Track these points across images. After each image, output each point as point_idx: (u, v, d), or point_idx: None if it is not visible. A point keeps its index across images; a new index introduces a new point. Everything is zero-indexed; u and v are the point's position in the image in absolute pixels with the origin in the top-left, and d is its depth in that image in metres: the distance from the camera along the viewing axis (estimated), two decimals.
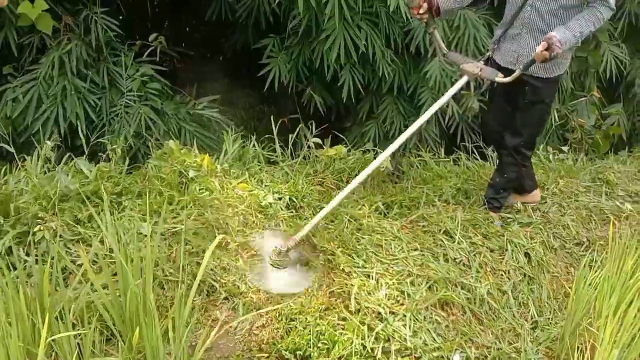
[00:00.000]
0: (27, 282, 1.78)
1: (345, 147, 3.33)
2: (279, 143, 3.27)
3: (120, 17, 3.99)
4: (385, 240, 2.57)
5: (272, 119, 3.32)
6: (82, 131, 3.43)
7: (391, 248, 2.53)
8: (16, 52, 3.48)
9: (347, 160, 3.19)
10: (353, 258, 2.40)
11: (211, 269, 2.19)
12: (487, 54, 2.75)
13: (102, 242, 2.08)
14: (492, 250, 2.71)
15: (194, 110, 3.88)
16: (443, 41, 2.77)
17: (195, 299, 2.02)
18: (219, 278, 2.20)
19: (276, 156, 3.21)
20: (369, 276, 2.32)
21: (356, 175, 3.10)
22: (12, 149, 2.76)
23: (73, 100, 3.42)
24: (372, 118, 4.05)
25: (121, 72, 3.58)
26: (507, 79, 2.45)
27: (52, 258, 1.86)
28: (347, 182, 3.05)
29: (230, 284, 2.22)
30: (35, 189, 2.32)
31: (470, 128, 4.07)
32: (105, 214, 1.80)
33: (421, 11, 2.51)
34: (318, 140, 3.26)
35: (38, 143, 3.40)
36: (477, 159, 3.64)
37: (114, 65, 3.59)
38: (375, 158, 3.23)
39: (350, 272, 2.31)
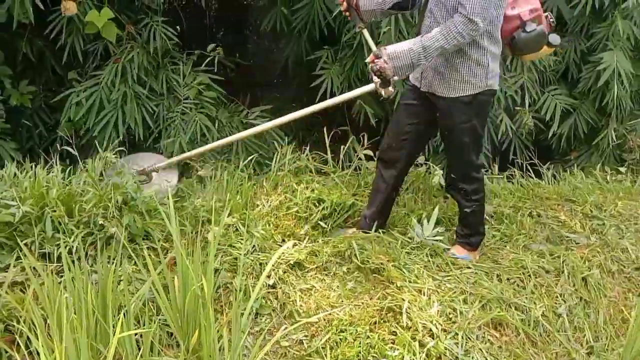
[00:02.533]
0: (92, 280, 1.83)
1: None
2: (330, 154, 3.30)
3: (178, 27, 4.12)
4: (437, 255, 2.54)
5: (324, 130, 3.34)
6: (139, 136, 3.55)
7: (443, 264, 2.49)
8: (81, 58, 3.64)
9: None
10: (404, 272, 2.38)
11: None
12: None
13: (167, 240, 2.14)
14: (547, 272, 2.63)
15: (246, 120, 3.95)
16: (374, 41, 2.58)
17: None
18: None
19: (328, 167, 3.23)
20: (420, 291, 2.29)
21: (407, 189, 3.11)
22: (75, 152, 2.88)
23: (132, 106, 3.54)
24: (434, 134, 4.01)
25: (179, 80, 3.68)
26: (385, 94, 2.27)
27: (114, 258, 1.93)
28: (398, 196, 3.05)
29: (281, 292, 2.25)
30: (97, 192, 2.40)
31: (523, 145, 3.99)
32: (170, 218, 1.85)
33: (342, 8, 2.48)
34: (369, 152, 3.27)
35: (98, 146, 3.54)
36: (531, 177, 3.56)
37: (173, 73, 3.70)
38: (427, 171, 3.24)
39: (401, 286, 2.29)
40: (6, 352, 1.69)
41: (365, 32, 2.49)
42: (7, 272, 2.03)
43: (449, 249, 2.62)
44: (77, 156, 2.83)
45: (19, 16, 3.25)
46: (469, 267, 2.52)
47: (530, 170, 3.64)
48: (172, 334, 1.77)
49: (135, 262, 2.05)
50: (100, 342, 1.65)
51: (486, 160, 3.81)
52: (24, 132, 3.91)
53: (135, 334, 1.70)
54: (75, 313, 1.56)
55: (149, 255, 1.95)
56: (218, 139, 3.69)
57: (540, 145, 4.11)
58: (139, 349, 1.67)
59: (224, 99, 3.96)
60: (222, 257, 2.31)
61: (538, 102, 3.89)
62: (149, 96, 3.64)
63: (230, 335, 1.73)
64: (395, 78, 2.22)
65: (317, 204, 2.80)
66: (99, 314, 1.65)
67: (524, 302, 2.40)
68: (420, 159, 3.37)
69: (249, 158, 3.23)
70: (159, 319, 1.84)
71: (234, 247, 2.39)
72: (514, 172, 3.57)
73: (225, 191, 2.75)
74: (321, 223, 2.70)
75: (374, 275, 2.36)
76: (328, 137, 3.32)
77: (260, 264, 2.36)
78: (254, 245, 2.43)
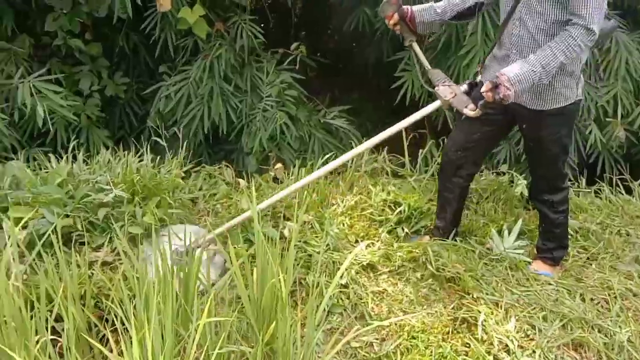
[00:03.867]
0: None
1: None
2: (407, 157, 3.26)
3: (263, 25, 4.22)
4: (516, 269, 2.45)
5: (403, 133, 3.31)
6: (223, 130, 3.68)
7: (523, 278, 2.40)
8: (172, 53, 3.81)
9: (478, 181, 3.09)
10: (481, 284, 2.31)
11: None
12: (477, 78, 2.35)
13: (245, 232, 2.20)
14: (635, 295, 2.47)
15: (324, 119, 3.99)
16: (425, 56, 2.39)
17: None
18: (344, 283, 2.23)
19: (405, 170, 3.20)
20: (497, 305, 2.22)
21: (487, 198, 3.02)
22: (164, 143, 3.02)
23: (218, 102, 3.67)
24: (504, 138, 3.88)
25: (262, 78, 3.78)
26: (472, 114, 2.09)
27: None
28: (477, 204, 2.97)
29: (353, 292, 2.25)
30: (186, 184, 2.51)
31: (613, 158, 3.76)
32: (254, 212, 1.90)
33: (391, 22, 2.27)
34: None
35: (184, 138, 3.69)
36: (621, 193, 3.35)
37: (257, 70, 3.80)
38: (510, 181, 3.12)
39: (477, 298, 2.23)
40: (95, 326, 1.80)
41: (416, 46, 2.34)
42: (99, 251, 2.17)
43: (529, 263, 2.52)
44: (166, 147, 2.97)
45: (118, 11, 3.45)
46: (551, 284, 2.41)
47: (620, 186, 3.42)
48: (249, 323, 1.82)
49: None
50: (182, 325, 1.72)
51: (572, 173, 3.63)
52: (117, 121, 4.16)
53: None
54: (160, 296, 1.64)
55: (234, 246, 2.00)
56: (296, 137, 3.76)
57: (632, 160, 3.85)
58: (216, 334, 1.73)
59: (304, 98, 4.02)
60: (297, 253, 2.35)
61: (631, 114, 3.65)
62: (234, 92, 3.76)
63: (304, 330, 1.76)
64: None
65: (393, 207, 2.78)
66: (182, 298, 1.72)
67: (609, 325, 2.26)
68: (503, 167, 3.27)
69: (326, 157, 3.26)
70: (238, 309, 1.90)
71: (309, 244, 2.42)
72: (603, 186, 3.37)
73: (302, 188, 2.79)
74: (396, 227, 2.67)
75: (449, 284, 2.31)
76: (406, 139, 3.28)
77: (334, 262, 2.37)
78: (328, 244, 2.45)
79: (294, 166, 3.22)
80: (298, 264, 2.26)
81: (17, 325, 1.53)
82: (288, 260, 1.81)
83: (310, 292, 2.13)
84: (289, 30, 4.65)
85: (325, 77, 4.67)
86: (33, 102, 3.30)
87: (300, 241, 2.38)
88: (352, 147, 3.42)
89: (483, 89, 2.01)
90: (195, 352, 1.49)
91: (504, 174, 3.20)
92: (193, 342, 1.46)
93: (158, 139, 3.09)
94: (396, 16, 2.26)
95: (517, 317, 2.18)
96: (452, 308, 2.20)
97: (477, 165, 2.57)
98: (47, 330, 1.60)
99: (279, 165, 3.10)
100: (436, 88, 2.19)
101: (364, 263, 2.39)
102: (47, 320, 1.63)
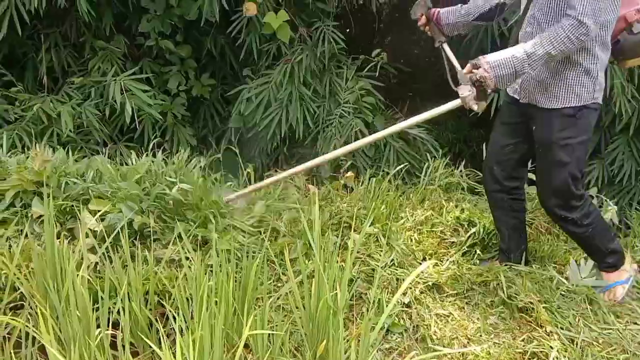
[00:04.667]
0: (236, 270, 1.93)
1: None
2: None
3: (347, 31, 4.20)
4: (597, 302, 2.24)
5: (483, 146, 3.15)
6: (299, 135, 3.70)
7: (604, 314, 2.19)
8: (256, 56, 3.89)
9: None
10: (556, 317, 2.13)
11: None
12: None
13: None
14: None
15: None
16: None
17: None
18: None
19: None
20: (573, 342, 2.04)
21: None
22: (236, 148, 3.07)
23: (296, 106, 3.69)
24: (597, 157, 3.60)
25: (341, 84, 3.76)
26: (476, 107, 2.02)
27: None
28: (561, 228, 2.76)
29: (415, 313, 2.16)
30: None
31: None
32: (314, 224, 1.87)
33: (421, 23, 2.33)
34: (532, 175, 3.00)
35: (261, 141, 3.77)
36: None
37: (336, 76, 3.79)
38: (599, 205, 2.87)
39: (551, 332, 2.06)
40: (157, 320, 1.85)
41: (446, 47, 2.34)
42: (167, 248, 2.23)
43: (599, 288, 2.30)
44: (237, 153, 3.02)
45: (207, 14, 3.57)
46: (636, 324, 2.18)
47: None
48: (301, 335, 1.79)
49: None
50: (235, 332, 1.73)
51: None
52: (201, 121, 4.31)
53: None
54: (216, 300, 1.65)
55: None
56: (371, 145, 3.70)
57: None
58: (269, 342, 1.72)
59: (382, 105, 3.95)
60: (359, 265, 2.29)
61: None
62: (312, 97, 3.77)
63: (359, 348, 1.70)
64: (492, 90, 1.99)
65: (466, 227, 2.64)
66: (237, 305, 1.72)
67: None
68: (592, 190, 3.02)
69: (399, 167, 3.18)
70: (292, 319, 1.88)
71: (372, 257, 2.36)
72: None
73: (371, 199, 2.73)
74: (469, 250, 2.53)
75: (521, 314, 2.15)
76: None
77: (398, 279, 2.29)
78: (392, 259, 2.37)
79: (367, 174, 3.17)
80: (359, 278, 2.21)
81: (81, 316, 1.60)
82: (347, 274, 1.76)
83: (369, 308, 2.07)
84: (371, 37, 4.60)
85: (405, 84, 4.57)
86: (123, 100, 3.49)
87: (363, 254, 2.33)
88: (427, 159, 3.33)
89: (464, 70, 2.00)
90: None
91: (593, 197, 2.95)
92: (239, 348, 1.45)
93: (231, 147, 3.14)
94: (424, 18, 2.32)
95: (594, 357, 1.99)
96: (522, 340, 2.05)
97: (517, 179, 2.42)
98: (109, 324, 1.66)
99: (349, 173, 3.06)
100: (459, 87, 2.13)
101: (430, 283, 2.29)
102: (109, 313, 1.69)
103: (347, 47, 3.89)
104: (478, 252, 2.52)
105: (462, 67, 2.15)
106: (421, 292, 2.25)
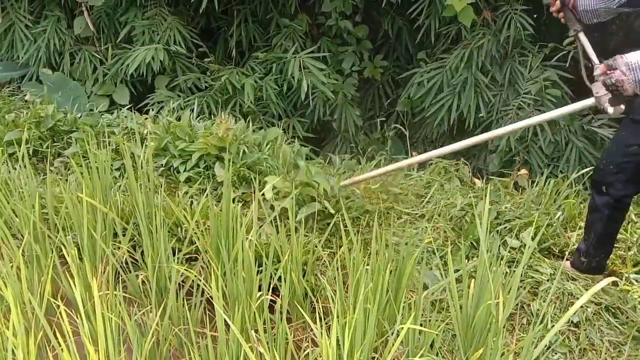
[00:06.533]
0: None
1: None
2: None
3: (535, 16, 3.85)
4: None
5: None
6: (469, 123, 3.52)
7: None
8: (433, 40, 3.76)
9: None
10: None
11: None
12: None
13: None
14: None
15: (588, 126, 3.50)
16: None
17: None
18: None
19: None
20: None
21: None
22: (406, 131, 3.02)
23: (470, 93, 3.51)
24: None
25: (523, 73, 3.48)
26: (611, 110, 1.76)
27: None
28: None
29: (584, 335, 1.93)
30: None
31: None
32: (482, 222, 1.75)
33: (554, 9, 2.07)
34: None
35: (427, 127, 3.65)
36: None
37: (519, 64, 3.51)
38: None
39: None
40: (313, 293, 1.91)
41: (582, 37, 2.05)
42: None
43: None
44: (407, 136, 2.96)
45: None
46: None
47: None
48: (455, 337, 1.71)
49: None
50: (387, 319, 1.70)
51: None
52: (369, 102, 4.32)
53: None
54: (371, 286, 1.64)
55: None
56: (550, 142, 3.39)
57: None
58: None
59: (568, 99, 3.57)
60: (526, 272, 2.12)
61: None
62: (489, 85, 3.55)
63: None
64: (630, 95, 1.70)
65: None
66: (391, 293, 1.70)
67: None
68: None
69: (583, 171, 2.85)
70: (447, 319, 1.80)
71: (539, 267, 2.16)
72: None
73: (545, 203, 2.49)
74: None
75: None
76: None
77: (569, 294, 2.07)
78: (564, 272, 2.15)
79: (542, 175, 2.90)
80: (524, 288, 2.04)
81: (245, 277, 1.70)
82: (514, 281, 1.63)
83: (532, 322, 1.90)
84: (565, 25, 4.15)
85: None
86: (300, 76, 3.63)
87: (531, 266, 2.14)
88: None
89: (596, 71, 1.77)
90: (395, 353, 1.45)
91: None
92: (393, 344, 1.42)
93: (400, 127, 3.10)
94: (559, 3, 2.08)
95: None
96: None
97: (631, 187, 2.08)
98: (269, 289, 1.74)
99: (523, 171, 2.83)
100: (593, 84, 1.88)
101: (605, 304, 2.03)
102: (270, 278, 1.77)
103: (534, 34, 3.57)
104: None
105: (601, 61, 1.89)
106: (594, 314, 2.01)
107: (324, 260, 2.02)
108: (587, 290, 2.04)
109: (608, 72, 1.75)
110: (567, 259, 2.27)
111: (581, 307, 2.00)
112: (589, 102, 1.93)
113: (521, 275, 2.07)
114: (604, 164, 2.15)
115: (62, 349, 1.36)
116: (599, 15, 2.11)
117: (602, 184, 2.13)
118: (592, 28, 2.20)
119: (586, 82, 1.93)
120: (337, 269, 1.71)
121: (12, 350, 1.40)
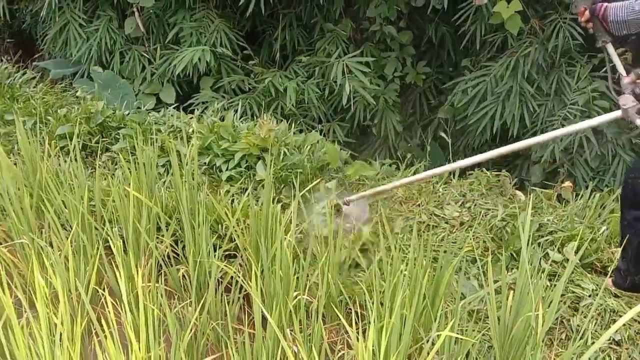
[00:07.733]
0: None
1: None
2: None
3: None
4: None
5: None
6: (512, 133, 3.46)
7: None
8: (478, 47, 3.72)
9: None
10: None
11: None
12: None
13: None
14: None
15: (637, 140, 3.39)
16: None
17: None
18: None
19: None
20: None
21: None
22: (449, 139, 2.99)
23: (515, 102, 3.46)
24: None
25: (571, 83, 3.40)
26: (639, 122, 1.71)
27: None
28: None
29: (627, 354, 1.87)
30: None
31: None
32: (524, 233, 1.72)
33: (583, 19, 2.00)
34: None
35: (469, 135, 3.60)
36: None
37: (566, 74, 3.44)
38: None
39: None
40: (349, 297, 1.91)
41: (610, 48, 2.01)
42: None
43: None
44: (450, 143, 2.93)
45: (435, 1, 3.51)
46: None
47: None
48: (492, 346, 1.69)
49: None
50: (423, 326, 1.69)
51: None
52: (409, 108, 4.31)
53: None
54: (408, 292, 1.63)
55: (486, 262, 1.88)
56: (596, 154, 3.30)
57: None
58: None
59: None
60: (567, 287, 2.07)
61: None
62: (534, 94, 3.49)
63: None
64: None
65: None
66: (428, 300, 1.69)
67: None
68: None
69: None
70: (484, 329, 1.78)
71: (581, 282, 2.11)
72: None
73: (589, 217, 2.43)
74: None
75: None
76: None
77: (613, 311, 2.01)
78: (607, 289, 2.09)
79: (587, 187, 2.83)
80: (564, 302, 1.99)
81: (283, 276, 1.72)
82: (554, 295, 1.59)
83: (572, 337, 1.86)
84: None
85: None
86: (342, 81, 3.64)
87: (572, 280, 2.09)
88: None
89: (626, 79, 1.75)
90: None
91: None
92: (429, 352, 1.41)
93: (442, 134, 3.08)
94: (588, 13, 2.01)
95: None
96: None
97: None
98: (305, 289, 1.76)
99: (567, 183, 2.76)
100: (621, 96, 1.88)
101: None
102: (307, 278, 1.79)
103: (584, 43, 3.49)
104: None
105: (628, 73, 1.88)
106: (637, 332, 1.95)
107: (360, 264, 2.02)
108: (630, 308, 1.99)
109: (637, 80, 1.72)
110: (609, 276, 2.21)
111: (624, 325, 1.93)
112: (616, 114, 1.90)
113: (562, 290, 2.04)
114: (632, 178, 2.08)
115: (105, 337, 1.41)
116: (629, 27, 2.03)
117: (630, 198, 2.06)
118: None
119: (613, 94, 1.89)
120: (374, 274, 1.72)
121: (60, 336, 1.46)
